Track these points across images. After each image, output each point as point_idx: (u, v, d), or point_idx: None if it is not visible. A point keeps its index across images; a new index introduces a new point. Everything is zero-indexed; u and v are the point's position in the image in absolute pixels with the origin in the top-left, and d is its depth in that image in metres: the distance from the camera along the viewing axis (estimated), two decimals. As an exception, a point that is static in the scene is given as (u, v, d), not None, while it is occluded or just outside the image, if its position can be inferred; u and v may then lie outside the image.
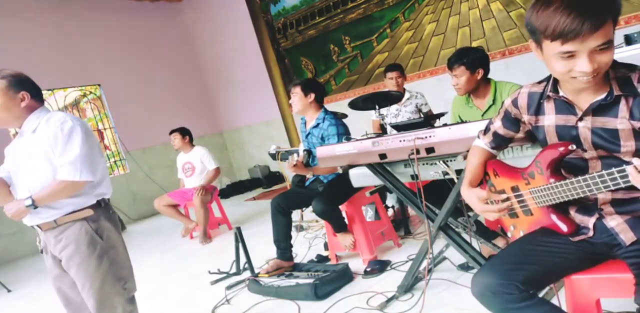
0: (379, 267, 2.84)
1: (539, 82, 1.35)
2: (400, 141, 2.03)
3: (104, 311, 1.86)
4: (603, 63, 1.10)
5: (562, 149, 1.23)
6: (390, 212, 3.78)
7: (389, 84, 4.14)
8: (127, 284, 1.93)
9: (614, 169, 1.08)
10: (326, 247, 3.44)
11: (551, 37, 1.09)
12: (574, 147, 1.21)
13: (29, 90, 1.86)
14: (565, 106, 1.26)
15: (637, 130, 1.14)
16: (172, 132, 5.00)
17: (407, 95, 4.04)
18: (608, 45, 1.09)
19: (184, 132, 4.98)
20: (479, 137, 1.58)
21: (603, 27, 1.06)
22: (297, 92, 3.09)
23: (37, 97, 1.90)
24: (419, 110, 3.98)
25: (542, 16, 1.10)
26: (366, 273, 2.81)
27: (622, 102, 1.16)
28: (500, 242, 2.49)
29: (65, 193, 1.80)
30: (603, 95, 1.18)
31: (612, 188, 1.11)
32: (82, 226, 1.84)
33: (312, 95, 3.08)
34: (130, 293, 1.95)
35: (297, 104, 3.11)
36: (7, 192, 1.93)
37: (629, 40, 3.06)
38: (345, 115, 3.95)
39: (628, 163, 1.06)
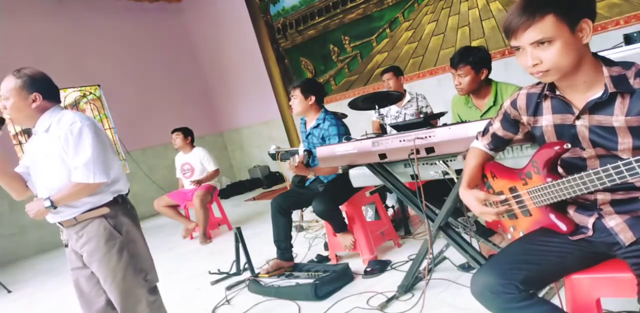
0: (379, 267, 2.84)
1: (537, 84, 1.36)
2: (400, 141, 2.03)
3: (128, 303, 1.91)
4: (547, 59, 1.15)
5: (557, 147, 1.24)
6: (390, 211, 3.78)
7: (385, 86, 4.14)
8: (148, 276, 1.98)
9: (608, 165, 1.09)
10: (326, 247, 3.44)
11: (505, 36, 1.23)
12: (569, 145, 1.22)
13: (42, 91, 1.88)
14: (562, 105, 1.27)
15: (633, 127, 1.15)
16: (174, 130, 4.99)
17: (407, 97, 4.01)
18: (547, 41, 1.14)
19: (187, 132, 4.97)
20: (477, 138, 1.58)
21: (536, 24, 1.13)
22: (296, 94, 3.07)
23: (51, 98, 1.92)
24: (420, 113, 3.95)
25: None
26: (366, 273, 2.81)
27: (618, 99, 1.17)
28: (496, 239, 2.49)
29: (81, 194, 1.85)
30: (599, 93, 1.19)
31: (608, 185, 1.12)
32: (100, 223, 1.89)
33: (313, 98, 3.07)
34: (151, 283, 1.99)
35: (297, 106, 3.10)
36: (24, 186, 1.99)
37: (628, 39, 3.05)
38: (345, 115, 3.95)
39: (622, 160, 1.07)
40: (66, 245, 2.01)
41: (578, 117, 1.23)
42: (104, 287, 1.92)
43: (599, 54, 1.24)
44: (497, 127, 1.49)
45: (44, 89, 1.89)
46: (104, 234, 1.88)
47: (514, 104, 1.40)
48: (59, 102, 1.98)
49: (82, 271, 1.98)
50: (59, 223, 1.94)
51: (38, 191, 1.95)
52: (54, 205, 1.83)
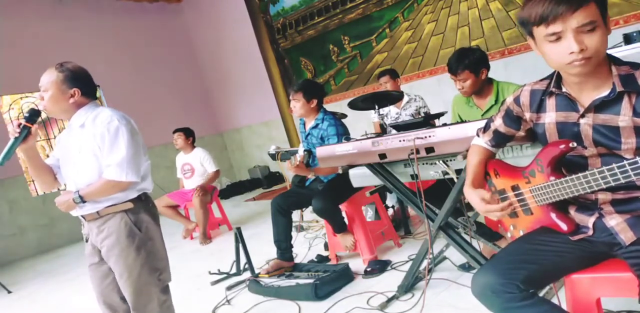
0: (379, 267, 2.84)
1: (542, 80, 1.35)
2: (400, 141, 2.03)
3: (140, 300, 1.92)
4: (592, 45, 1.13)
5: (562, 146, 1.23)
6: (390, 211, 3.78)
7: (382, 89, 4.13)
8: (162, 275, 2.00)
9: (614, 165, 1.09)
10: (326, 247, 3.44)
11: (537, 23, 1.17)
12: (575, 144, 1.22)
13: (81, 87, 1.90)
14: (568, 102, 1.27)
15: (639, 127, 1.15)
16: (176, 130, 4.99)
17: (406, 98, 3.99)
18: (593, 26, 1.12)
19: (188, 133, 4.97)
20: (478, 135, 1.58)
21: (583, 7, 1.11)
22: (299, 98, 3.06)
23: (88, 94, 1.95)
24: (419, 113, 3.95)
25: (528, 7, 1.19)
26: (366, 273, 2.81)
27: (625, 99, 1.16)
28: (503, 244, 2.48)
29: (111, 191, 1.88)
30: (606, 92, 1.18)
31: (612, 184, 1.11)
32: (122, 218, 1.91)
33: (315, 102, 3.07)
34: (164, 283, 2.02)
35: (299, 109, 3.09)
36: (53, 178, 2.02)
37: (628, 39, 3.05)
38: (344, 115, 3.95)
39: (628, 160, 1.07)
40: (86, 240, 2.03)
41: (583, 115, 1.23)
42: (119, 283, 1.93)
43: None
44: (499, 124, 1.48)
45: (83, 85, 1.91)
46: (125, 230, 1.90)
47: (517, 100, 1.40)
48: (96, 98, 2.00)
49: (100, 267, 1.99)
50: (81, 216, 1.96)
51: (68, 183, 1.97)
52: (83, 200, 1.86)
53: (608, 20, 1.16)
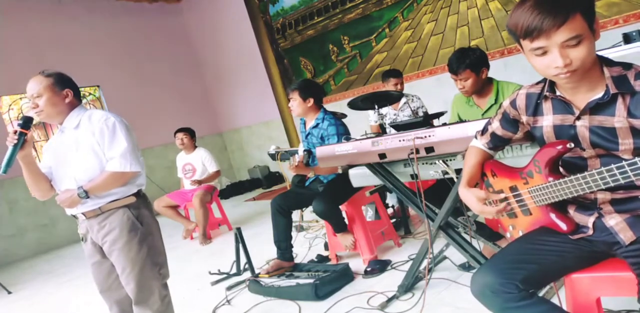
0: (379, 266, 2.84)
1: (537, 83, 1.35)
2: (400, 141, 2.03)
3: (142, 294, 1.95)
4: (577, 58, 1.12)
5: (560, 147, 1.23)
6: (390, 211, 3.78)
7: (389, 88, 4.13)
8: (162, 270, 2.04)
9: (613, 166, 1.09)
10: (326, 247, 3.44)
11: (522, 36, 1.15)
12: (572, 145, 1.22)
13: (71, 88, 1.99)
14: (563, 105, 1.27)
15: (635, 128, 1.15)
16: (179, 130, 4.98)
17: (403, 99, 4.01)
18: (578, 39, 1.11)
19: (192, 133, 4.98)
20: (476, 137, 1.58)
21: (568, 22, 1.09)
22: (295, 97, 3.09)
23: (77, 96, 2.03)
24: (416, 114, 3.96)
25: (514, 17, 1.16)
26: (366, 273, 2.81)
27: (619, 100, 1.16)
28: (503, 244, 2.48)
29: (116, 183, 1.92)
30: (600, 94, 1.18)
31: (612, 184, 1.11)
32: (124, 213, 1.95)
33: (311, 100, 3.08)
34: (164, 278, 2.05)
35: (296, 108, 3.12)
36: (50, 186, 2.05)
37: (627, 38, 3.05)
38: (344, 115, 3.95)
39: (627, 161, 1.07)
40: (83, 239, 2.05)
41: (578, 118, 1.23)
42: (121, 277, 1.96)
43: (598, 53, 1.24)
44: (496, 127, 1.48)
45: (72, 86, 2.00)
46: (127, 224, 1.93)
47: (513, 103, 1.40)
48: (82, 101, 2.07)
49: (102, 264, 2.02)
50: (82, 213, 1.98)
51: (65, 183, 2.00)
52: (87, 195, 1.89)
53: (596, 26, 1.15)
